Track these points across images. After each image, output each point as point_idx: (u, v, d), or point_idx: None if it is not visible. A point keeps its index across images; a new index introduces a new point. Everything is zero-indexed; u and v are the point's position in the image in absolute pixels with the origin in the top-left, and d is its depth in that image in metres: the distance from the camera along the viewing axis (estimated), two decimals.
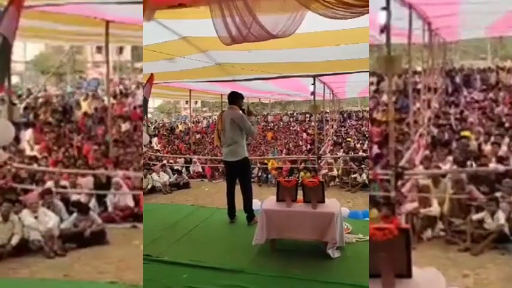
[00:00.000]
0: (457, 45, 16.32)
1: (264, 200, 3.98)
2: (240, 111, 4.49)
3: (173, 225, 4.56)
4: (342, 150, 12.40)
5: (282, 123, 25.54)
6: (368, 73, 7.15)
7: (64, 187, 5.55)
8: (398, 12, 5.15)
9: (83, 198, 5.23)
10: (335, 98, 18.44)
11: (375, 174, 4.62)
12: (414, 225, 4.15)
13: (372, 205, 4.29)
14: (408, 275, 1.45)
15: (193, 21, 3.82)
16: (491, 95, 10.64)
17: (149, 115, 22.01)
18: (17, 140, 7.49)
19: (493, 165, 5.21)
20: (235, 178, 4.60)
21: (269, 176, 10.63)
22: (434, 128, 7.70)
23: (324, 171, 9.66)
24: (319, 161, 9.59)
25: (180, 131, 23.41)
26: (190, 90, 11.80)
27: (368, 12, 2.69)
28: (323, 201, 3.58)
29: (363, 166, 9.29)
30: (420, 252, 3.83)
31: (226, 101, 4.84)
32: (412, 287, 1.43)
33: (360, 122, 23.02)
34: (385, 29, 4.15)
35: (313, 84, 8.57)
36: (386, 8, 4.12)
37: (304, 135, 20.06)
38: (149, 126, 17.68)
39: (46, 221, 4.22)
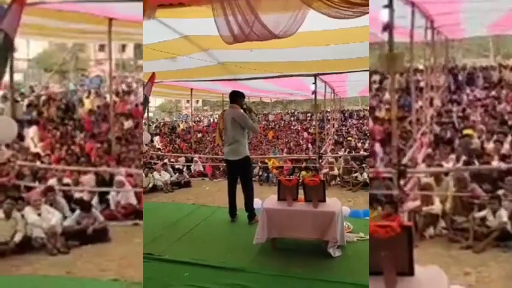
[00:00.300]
0: (459, 43, 16.19)
1: (265, 199, 3.97)
2: (241, 110, 4.49)
3: (174, 224, 4.57)
4: (343, 149, 12.39)
5: (283, 122, 25.47)
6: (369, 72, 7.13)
7: (67, 185, 5.58)
8: (401, 10, 5.14)
9: (85, 196, 5.25)
10: (336, 97, 18.37)
11: (376, 172, 4.62)
12: (416, 223, 4.15)
13: (373, 203, 4.29)
14: (410, 273, 1.44)
15: (194, 20, 3.82)
16: (493, 93, 10.57)
17: (151, 114, 22.03)
18: (20, 137, 7.51)
19: (495, 163, 5.21)
20: (236, 177, 4.60)
21: (270, 175, 10.62)
22: (436, 126, 7.67)
23: (325, 170, 9.65)
24: (320, 160, 9.59)
25: (182, 129, 23.40)
26: (191, 89, 11.78)
27: (369, 11, 2.69)
28: (324, 200, 3.58)
29: (363, 165, 9.29)
30: (422, 250, 3.83)
31: (228, 100, 4.85)
32: (414, 285, 1.43)
33: (360, 121, 22.93)
34: (388, 27, 4.13)
35: (315, 83, 8.54)
36: (389, 5, 4.10)
37: (305, 134, 20.04)
38: (150, 125, 17.66)
39: (49, 218, 4.24)
